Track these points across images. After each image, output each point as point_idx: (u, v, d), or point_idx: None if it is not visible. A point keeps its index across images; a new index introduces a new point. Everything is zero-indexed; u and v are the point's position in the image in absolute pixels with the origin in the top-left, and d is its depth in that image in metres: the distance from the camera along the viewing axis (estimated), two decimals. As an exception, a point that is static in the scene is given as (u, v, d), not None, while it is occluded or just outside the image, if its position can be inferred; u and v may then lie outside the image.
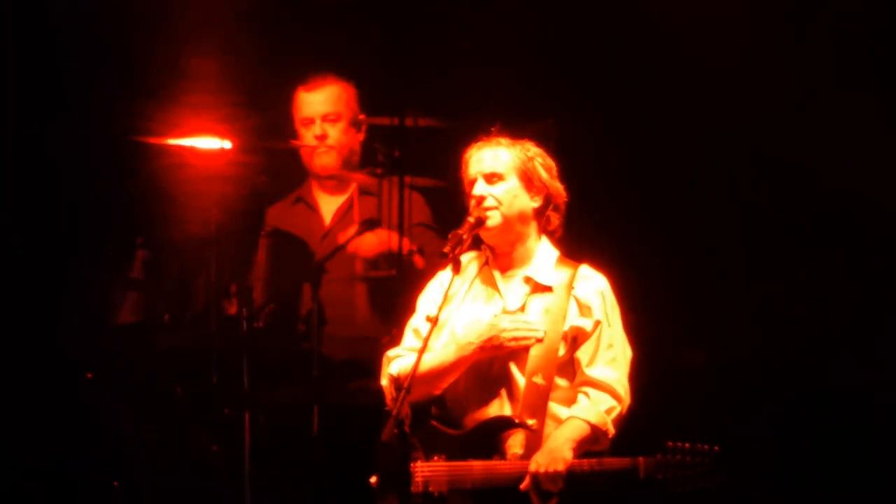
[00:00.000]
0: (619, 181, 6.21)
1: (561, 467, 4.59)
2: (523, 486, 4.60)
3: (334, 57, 6.23)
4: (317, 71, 6.11)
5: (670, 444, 4.63)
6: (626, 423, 4.79)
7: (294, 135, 6.13)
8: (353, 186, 6.14)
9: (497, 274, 4.85)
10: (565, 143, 5.60)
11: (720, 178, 6.18)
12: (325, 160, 6.08)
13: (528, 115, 5.68)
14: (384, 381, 4.83)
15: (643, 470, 4.62)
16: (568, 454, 4.62)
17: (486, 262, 4.88)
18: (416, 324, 4.88)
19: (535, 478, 4.59)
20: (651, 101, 6.20)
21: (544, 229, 4.88)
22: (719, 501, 4.85)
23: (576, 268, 4.84)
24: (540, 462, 4.60)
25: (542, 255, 4.85)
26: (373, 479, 4.70)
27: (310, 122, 6.08)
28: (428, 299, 4.90)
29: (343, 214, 6.13)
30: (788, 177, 6.16)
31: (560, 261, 4.86)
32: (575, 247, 4.97)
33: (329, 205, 6.14)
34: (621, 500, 4.77)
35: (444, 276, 4.90)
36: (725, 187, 6.17)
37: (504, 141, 4.85)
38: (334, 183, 6.15)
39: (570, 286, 4.79)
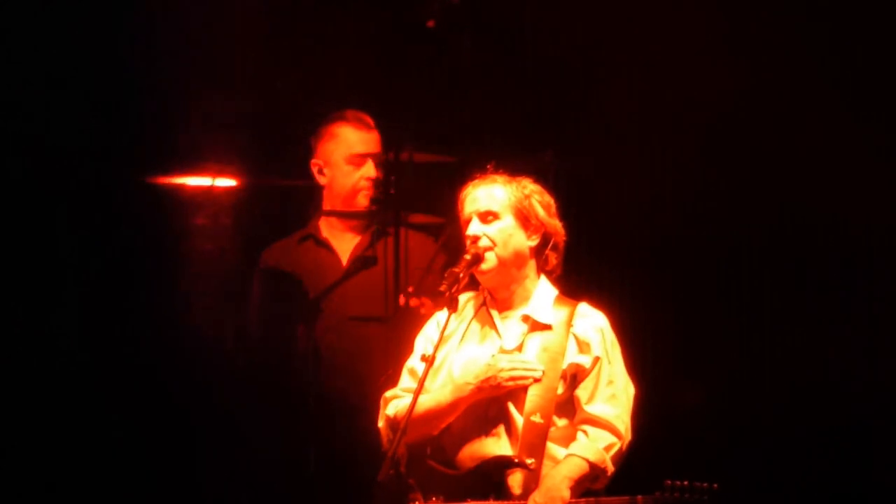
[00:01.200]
0: (619, 216, 6.19)
1: None
2: None
3: (333, 91, 6.20)
4: (352, 108, 6.02)
5: (668, 482, 4.61)
6: (625, 460, 4.77)
7: (308, 172, 6.03)
8: (371, 225, 6.04)
9: (495, 313, 4.83)
10: (564, 176, 5.62)
11: (720, 214, 6.16)
12: (366, 200, 5.95)
13: (526, 149, 5.70)
14: (381, 423, 4.81)
15: None
16: (565, 493, 4.59)
17: (484, 303, 4.85)
18: (413, 364, 4.85)
19: None
20: (649, 134, 6.19)
21: (542, 268, 4.85)
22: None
23: (574, 306, 4.81)
24: (538, 501, 4.57)
25: (541, 294, 4.82)
26: None
27: (362, 161, 5.95)
28: (425, 339, 4.88)
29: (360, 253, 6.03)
30: (789, 214, 6.14)
31: (559, 299, 4.83)
32: (573, 283, 4.95)
33: (344, 244, 6.04)
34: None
35: (441, 316, 4.86)
36: (725, 223, 6.15)
37: (500, 178, 4.82)
38: (354, 222, 6.04)
39: (569, 324, 4.76)
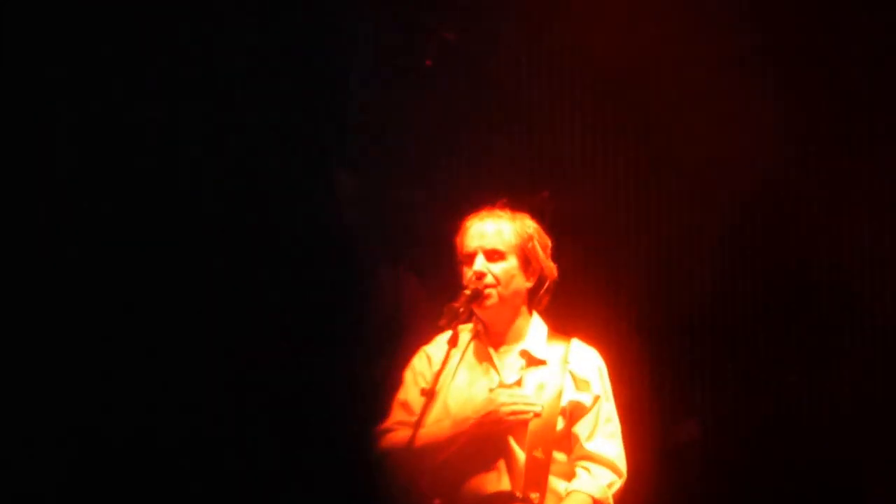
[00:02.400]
0: (612, 252, 6.22)
1: None
2: None
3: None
4: None
5: None
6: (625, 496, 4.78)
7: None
8: None
9: (490, 348, 4.83)
10: (559, 216, 5.64)
11: (711, 248, 6.20)
12: None
13: (523, 190, 5.71)
14: (373, 457, 4.78)
15: None
16: None
17: (477, 336, 4.85)
18: (404, 398, 4.84)
19: None
20: (642, 169, 6.23)
21: (534, 306, 4.87)
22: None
23: (567, 341, 4.84)
24: None
25: (535, 330, 4.85)
26: None
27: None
28: (415, 373, 4.87)
29: None
30: (783, 244, 6.20)
31: (551, 335, 4.86)
32: (567, 320, 4.97)
33: None
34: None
35: (430, 349, 4.87)
36: (719, 257, 6.19)
37: (507, 215, 4.84)
38: None
39: (565, 360, 4.78)
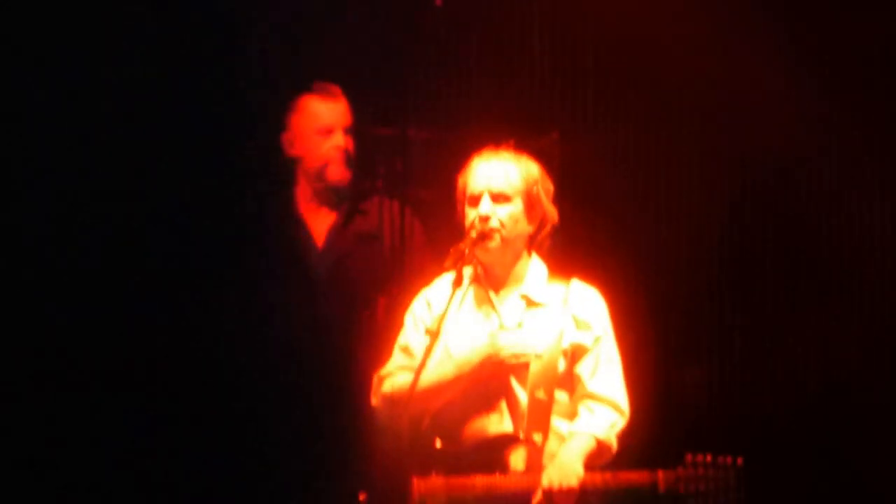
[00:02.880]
0: (620, 195, 6.19)
1: (574, 482, 4.57)
2: (535, 502, 4.58)
3: (335, 66, 6.18)
4: (320, 79, 5.98)
5: (689, 456, 4.60)
6: (631, 438, 4.79)
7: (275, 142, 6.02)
8: (343, 202, 6.03)
9: (490, 291, 4.83)
10: (568, 158, 5.62)
11: (721, 194, 6.16)
12: (343, 172, 5.94)
13: (531, 129, 5.69)
14: (375, 401, 4.81)
15: (663, 484, 4.59)
16: (580, 469, 4.60)
17: (477, 279, 4.84)
18: (405, 342, 4.85)
19: (548, 494, 4.57)
20: (654, 115, 6.19)
21: (534, 248, 4.86)
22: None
23: (567, 283, 4.83)
24: (553, 478, 4.57)
25: (534, 272, 4.84)
26: (361, 497, 4.67)
27: (329, 130, 5.93)
28: (415, 316, 4.87)
29: (336, 233, 6.01)
30: (790, 195, 6.16)
31: (551, 277, 4.85)
32: (578, 263, 4.96)
33: (319, 223, 6.01)
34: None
35: (429, 294, 4.88)
36: (727, 203, 6.16)
37: (512, 157, 4.81)
38: (329, 198, 6.02)
39: (566, 301, 4.78)
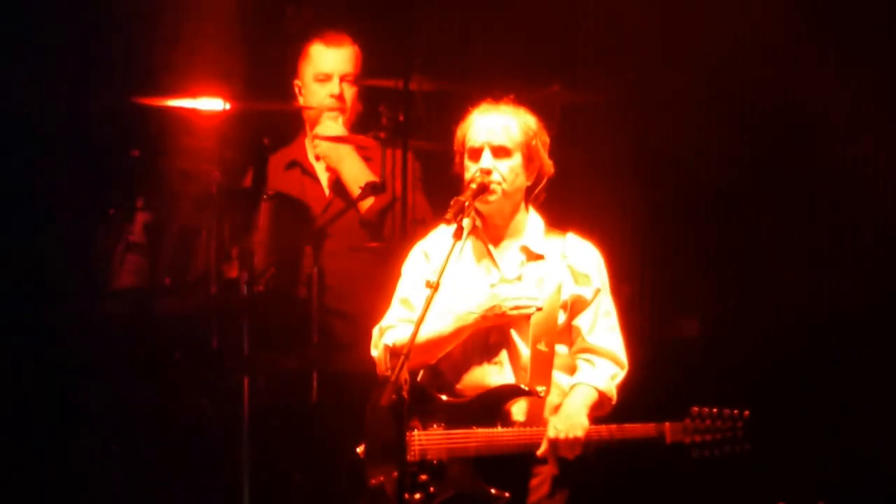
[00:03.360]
0: (620, 149, 6.18)
1: (580, 433, 4.58)
2: (541, 452, 4.59)
3: (338, 17, 6.16)
4: (331, 27, 5.97)
5: (695, 409, 4.60)
6: (629, 392, 4.80)
7: (291, 89, 6.01)
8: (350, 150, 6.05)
9: (489, 244, 4.82)
10: (569, 109, 5.61)
11: (718, 147, 6.16)
12: (335, 124, 5.93)
13: (533, 81, 5.67)
14: (376, 352, 4.81)
15: (670, 435, 4.59)
16: (585, 421, 4.61)
17: (476, 232, 4.83)
18: (405, 294, 4.84)
19: (554, 444, 4.58)
20: (653, 68, 6.17)
21: (530, 201, 4.85)
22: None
23: (563, 236, 4.84)
24: (559, 428, 4.58)
25: (532, 224, 4.84)
26: (360, 449, 4.68)
27: (326, 78, 5.92)
28: (413, 269, 4.87)
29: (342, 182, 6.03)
30: (786, 147, 6.16)
31: (547, 230, 4.85)
32: (576, 216, 4.96)
33: (326, 171, 6.03)
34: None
35: (426, 246, 4.87)
36: (724, 156, 6.15)
37: (512, 111, 4.79)
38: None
39: (563, 254, 4.79)
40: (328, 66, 5.91)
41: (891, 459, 5.98)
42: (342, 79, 5.90)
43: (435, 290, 4.58)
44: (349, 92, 5.93)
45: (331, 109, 5.91)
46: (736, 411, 4.59)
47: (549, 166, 4.82)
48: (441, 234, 4.83)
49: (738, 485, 5.77)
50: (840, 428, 6.04)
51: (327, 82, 5.90)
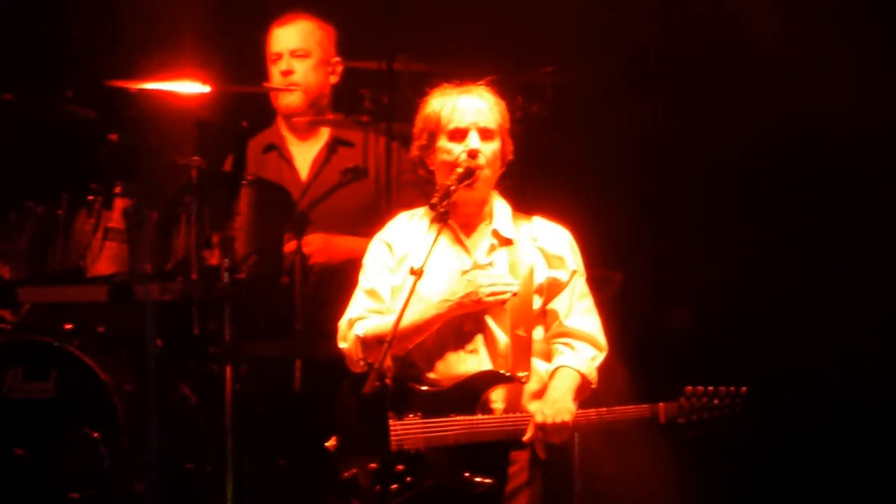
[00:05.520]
0: (610, 133, 6.14)
1: (568, 418, 4.55)
2: (527, 437, 4.56)
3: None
4: (293, 9, 5.96)
5: (689, 388, 4.57)
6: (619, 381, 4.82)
7: (266, 76, 5.98)
8: (328, 134, 5.99)
9: (460, 231, 4.76)
10: (560, 93, 5.58)
11: (709, 132, 6.12)
12: (289, 99, 5.89)
13: (521, 62, 5.64)
14: (345, 345, 4.76)
15: (664, 416, 4.56)
16: (572, 405, 4.58)
17: (444, 217, 4.71)
18: (370, 285, 4.78)
19: (542, 429, 4.55)
20: (642, 51, 6.13)
21: (496, 186, 4.80)
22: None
23: (530, 220, 4.79)
24: (546, 413, 4.55)
25: (500, 210, 4.79)
26: (330, 443, 4.63)
27: (277, 57, 5.90)
28: (375, 259, 4.80)
29: (320, 166, 5.97)
30: (778, 129, 6.12)
31: (514, 214, 4.80)
32: (567, 201, 4.93)
33: (303, 155, 5.97)
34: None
35: (385, 234, 4.81)
36: (715, 141, 6.12)
37: (490, 94, 4.74)
38: (305, 129, 5.96)
39: (533, 238, 4.74)
40: (277, 45, 5.92)
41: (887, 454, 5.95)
42: (291, 54, 5.85)
43: (419, 276, 4.54)
44: (301, 66, 5.87)
45: (284, 90, 5.85)
46: (732, 388, 4.55)
47: (511, 149, 4.77)
48: (400, 224, 4.81)
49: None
50: (834, 418, 6.01)
51: (279, 61, 5.87)
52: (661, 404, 4.56)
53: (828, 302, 6.04)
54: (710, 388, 4.56)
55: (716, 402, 4.54)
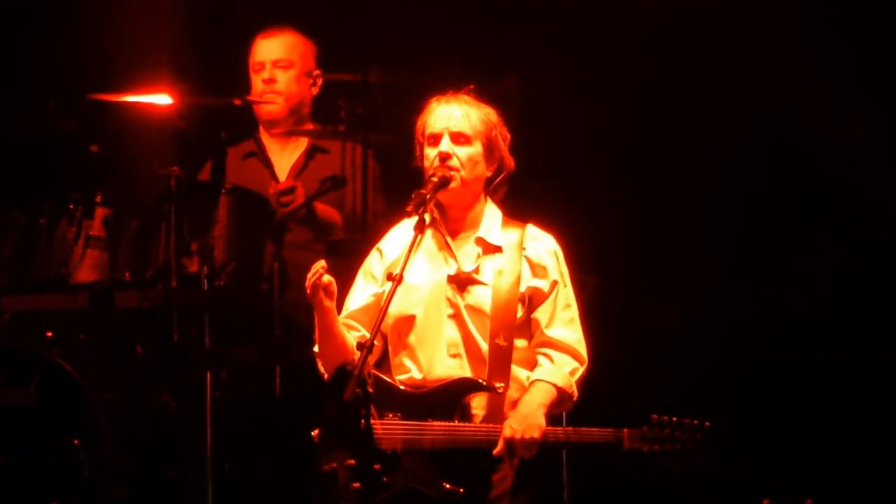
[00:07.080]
0: (582, 139, 6.19)
1: (536, 434, 4.55)
2: (496, 451, 4.56)
3: (295, 11, 6.18)
4: (277, 22, 6.05)
5: (654, 417, 4.57)
6: (598, 387, 4.79)
7: (248, 86, 6.06)
8: (307, 142, 6.08)
9: (447, 236, 4.80)
10: (528, 102, 5.62)
11: (687, 133, 6.18)
12: (271, 107, 5.99)
13: (490, 72, 5.67)
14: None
15: (627, 441, 4.56)
16: (542, 421, 4.58)
17: (434, 224, 4.80)
18: (351, 294, 4.82)
19: (510, 443, 4.55)
20: (612, 57, 6.18)
21: (489, 194, 4.84)
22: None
23: (522, 227, 4.81)
24: (515, 428, 4.55)
25: (489, 216, 4.81)
26: (314, 433, 4.66)
27: (260, 66, 6.01)
28: (364, 266, 4.85)
29: (298, 173, 6.05)
30: (755, 132, 6.18)
31: (506, 221, 4.82)
32: (539, 207, 4.94)
33: (282, 161, 6.06)
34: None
35: (382, 242, 4.85)
36: (693, 142, 6.17)
37: (473, 102, 4.78)
38: (285, 137, 6.06)
39: (521, 246, 4.76)
40: (260, 55, 6.04)
41: (875, 453, 6.01)
42: (274, 64, 5.94)
43: (397, 283, 4.59)
44: (283, 76, 5.98)
45: (266, 102, 5.94)
46: (696, 422, 4.55)
47: (509, 161, 4.80)
48: (397, 231, 4.84)
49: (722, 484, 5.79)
50: (814, 420, 6.09)
51: (262, 71, 5.97)
52: (625, 430, 4.56)
53: (810, 306, 6.09)
54: (675, 419, 4.55)
55: (677, 433, 4.54)
